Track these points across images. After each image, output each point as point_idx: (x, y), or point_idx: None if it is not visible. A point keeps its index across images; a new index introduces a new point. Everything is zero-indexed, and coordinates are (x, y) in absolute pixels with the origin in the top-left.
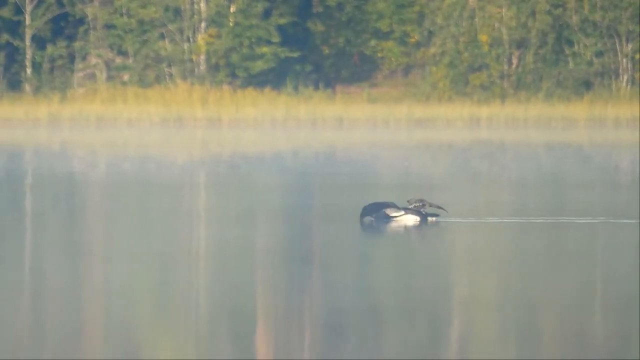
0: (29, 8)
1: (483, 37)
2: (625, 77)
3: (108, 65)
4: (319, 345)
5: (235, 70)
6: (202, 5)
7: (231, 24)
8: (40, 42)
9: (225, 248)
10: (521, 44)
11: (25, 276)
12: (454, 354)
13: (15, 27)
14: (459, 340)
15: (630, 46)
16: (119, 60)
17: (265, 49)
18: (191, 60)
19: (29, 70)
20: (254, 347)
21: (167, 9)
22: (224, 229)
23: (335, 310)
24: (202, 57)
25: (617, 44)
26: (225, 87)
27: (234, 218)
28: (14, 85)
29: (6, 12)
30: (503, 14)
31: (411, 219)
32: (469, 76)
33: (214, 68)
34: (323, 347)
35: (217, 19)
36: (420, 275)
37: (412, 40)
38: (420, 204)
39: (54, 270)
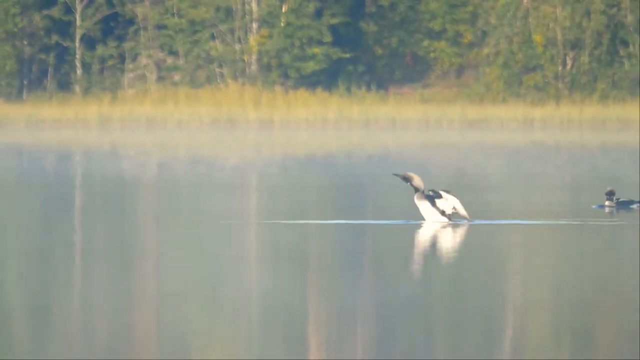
0: (79, 8)
1: (537, 38)
2: None
3: (158, 65)
4: (370, 346)
5: (287, 71)
6: (254, 5)
7: (283, 24)
8: (90, 43)
9: (276, 250)
10: (576, 45)
11: (77, 277)
12: (507, 355)
13: (65, 28)
14: (512, 341)
15: None
16: (169, 60)
17: (317, 50)
18: (242, 61)
19: (78, 71)
20: (306, 349)
21: (218, 9)
22: (275, 231)
23: (387, 312)
24: (254, 57)
25: None
26: (277, 87)
27: (285, 220)
28: (64, 86)
29: (56, 12)
30: (557, 13)
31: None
32: (523, 77)
33: (265, 68)
34: (374, 348)
35: (268, 19)
36: (473, 277)
37: (465, 40)
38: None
39: (105, 271)
